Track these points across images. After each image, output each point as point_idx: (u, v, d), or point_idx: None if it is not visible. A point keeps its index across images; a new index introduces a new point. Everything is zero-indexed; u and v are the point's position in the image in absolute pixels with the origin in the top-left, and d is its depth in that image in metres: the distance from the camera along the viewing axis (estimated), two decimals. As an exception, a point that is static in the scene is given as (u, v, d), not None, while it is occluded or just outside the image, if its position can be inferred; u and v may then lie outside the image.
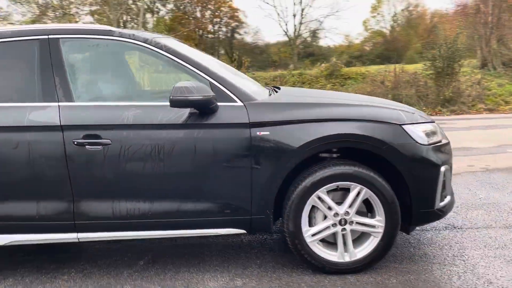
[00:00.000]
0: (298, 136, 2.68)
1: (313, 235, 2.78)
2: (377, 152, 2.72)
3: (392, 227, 2.76)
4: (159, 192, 2.74)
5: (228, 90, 2.77)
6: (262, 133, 2.68)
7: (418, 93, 12.68)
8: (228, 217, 2.78)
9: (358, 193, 2.73)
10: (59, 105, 2.71)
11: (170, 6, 34.40)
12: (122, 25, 23.96)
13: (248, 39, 35.40)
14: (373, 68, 15.71)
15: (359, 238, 2.87)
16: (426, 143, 2.78)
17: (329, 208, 2.75)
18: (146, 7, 34.36)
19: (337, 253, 2.81)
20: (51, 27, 2.89)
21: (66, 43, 2.83)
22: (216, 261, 3.06)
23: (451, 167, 3.01)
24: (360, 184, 2.71)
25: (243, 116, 2.69)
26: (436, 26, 22.87)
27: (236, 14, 33.88)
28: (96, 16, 25.82)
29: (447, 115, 11.75)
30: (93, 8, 25.79)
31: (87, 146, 2.66)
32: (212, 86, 2.73)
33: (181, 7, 33.58)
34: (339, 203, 2.76)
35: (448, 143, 3.02)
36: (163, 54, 2.80)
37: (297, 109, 2.78)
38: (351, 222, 2.77)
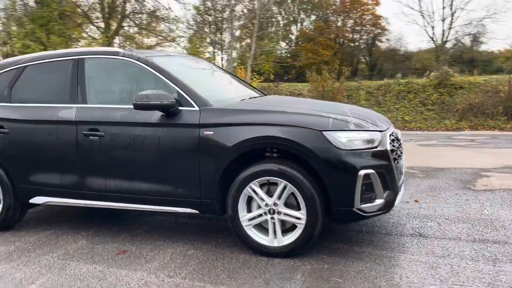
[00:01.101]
0: (234, 136, 3.25)
1: (249, 220, 3.32)
2: (298, 154, 3.14)
3: (313, 220, 3.13)
4: (134, 174, 3.59)
5: (190, 97, 3.47)
6: (207, 132, 3.33)
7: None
8: (184, 198, 3.48)
9: (284, 188, 3.17)
10: (77, 107, 3.76)
11: (313, 17, 35.94)
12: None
13: (390, 46, 34.77)
14: (488, 78, 14.37)
15: (292, 227, 3.28)
16: (345, 148, 3.08)
17: (262, 199, 3.25)
18: (291, 18, 36.53)
19: (268, 238, 3.29)
20: (80, 51, 3.99)
21: (88, 62, 3.88)
22: (188, 236, 3.79)
23: (389, 172, 3.21)
24: (284, 180, 3.16)
25: (195, 119, 3.38)
26: None
27: (379, 21, 33.72)
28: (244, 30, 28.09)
29: None
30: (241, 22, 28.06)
31: (90, 137, 3.65)
32: (178, 94, 3.48)
33: (324, 17, 34.73)
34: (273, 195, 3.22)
35: (385, 151, 3.22)
36: (148, 69, 3.64)
37: (238, 114, 3.35)
38: (279, 213, 3.23)
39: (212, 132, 3.32)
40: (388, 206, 3.26)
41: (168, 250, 3.52)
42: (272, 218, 3.25)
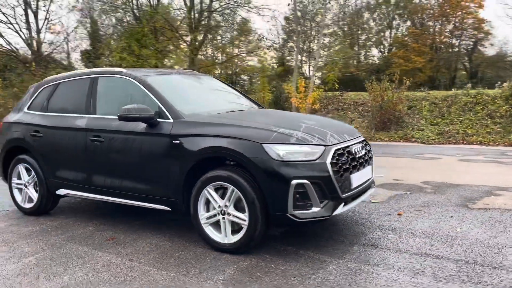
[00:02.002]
0: (195, 145, 3.78)
1: (207, 219, 3.81)
2: (241, 163, 3.57)
3: (254, 222, 3.54)
4: (123, 174, 4.29)
5: (167, 111, 4.08)
6: (175, 141, 3.90)
7: None
8: (159, 197, 4.09)
9: (232, 192, 3.63)
10: (88, 117, 4.59)
11: (408, 22, 34.89)
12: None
13: (493, 51, 32.40)
14: None
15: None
16: (281, 159, 3.44)
17: (215, 201, 3.74)
18: (385, 24, 35.90)
19: (220, 236, 3.76)
20: (97, 70, 4.83)
21: (100, 80, 4.69)
22: (171, 231, 4.39)
23: (327, 183, 3.49)
24: (232, 185, 3.61)
25: (169, 129, 3.97)
26: None
27: (482, 25, 31.74)
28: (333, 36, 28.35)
29: None
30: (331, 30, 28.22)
31: (94, 142, 4.43)
32: (159, 108, 4.11)
33: (419, 23, 33.58)
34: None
35: (323, 164, 3.50)
36: (140, 86, 4.33)
37: (201, 127, 3.87)
38: (228, 214, 3.68)
39: (178, 141, 3.88)
40: (325, 214, 3.53)
41: (147, 240, 4.14)
42: (223, 218, 3.71)
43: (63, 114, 4.89)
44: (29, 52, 24.54)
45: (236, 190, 3.59)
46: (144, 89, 4.29)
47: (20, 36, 23.86)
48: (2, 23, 22.95)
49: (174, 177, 3.93)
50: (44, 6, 23.79)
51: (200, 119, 4.04)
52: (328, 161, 3.55)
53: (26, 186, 5.21)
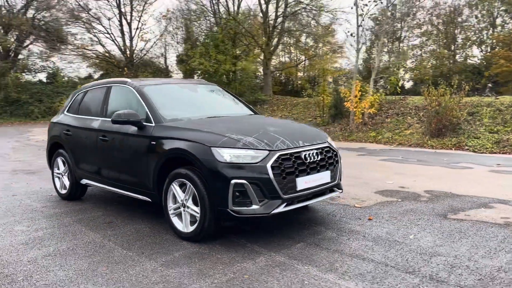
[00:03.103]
0: (165, 146, 4.43)
1: (174, 210, 4.44)
2: (193, 163, 4.12)
3: (204, 215, 4.08)
4: (119, 168, 5.09)
5: (151, 116, 4.78)
6: (153, 142, 4.58)
7: None
8: (141, 188, 4.81)
9: (190, 188, 4.20)
10: (100, 119, 5.47)
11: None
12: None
13: None
14: None
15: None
16: (225, 161, 3.93)
17: (178, 195, 4.34)
18: (488, 22, 33.54)
19: (182, 225, 4.35)
20: (111, 80, 5.71)
21: (113, 88, 5.57)
22: (159, 220, 5.09)
23: (266, 184, 3.91)
24: (189, 182, 4.19)
25: (150, 132, 4.67)
26: None
27: None
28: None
29: None
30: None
31: (102, 141, 5.30)
32: (146, 114, 4.83)
33: None
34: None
35: (264, 166, 3.92)
36: (136, 94, 5.09)
37: (173, 130, 4.48)
38: (187, 207, 4.26)
39: (155, 142, 4.56)
40: (264, 211, 3.94)
41: (134, 226, 4.89)
42: (184, 210, 4.31)
43: (86, 117, 5.85)
44: (123, 58, 27.33)
45: (192, 186, 4.16)
46: (138, 97, 5.04)
47: (116, 44, 26.70)
48: (101, 33, 25.90)
49: (151, 172, 4.61)
50: (139, 16, 26.29)
51: (175, 124, 4.66)
52: (269, 164, 3.95)
53: (62, 175, 6.29)
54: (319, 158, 4.39)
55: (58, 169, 6.37)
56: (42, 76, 30.66)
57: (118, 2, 25.73)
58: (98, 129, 5.41)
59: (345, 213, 5.17)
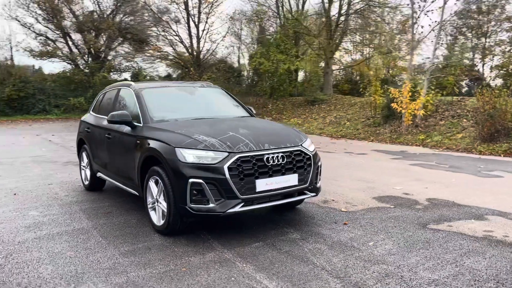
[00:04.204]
0: (144, 145, 4.82)
1: (150, 204, 4.82)
2: (162, 162, 4.45)
3: (169, 210, 4.41)
4: (118, 164, 5.60)
5: (141, 117, 5.21)
6: (137, 141, 5.00)
7: None
8: (131, 183, 5.27)
9: (160, 184, 4.55)
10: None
11: None
12: None
13: None
14: None
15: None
16: (185, 161, 4.22)
17: (153, 191, 4.71)
18: None
19: (156, 219, 4.72)
20: (122, 83, 6.24)
21: (121, 90, 6.11)
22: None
23: (222, 185, 4.13)
24: (160, 179, 4.53)
25: (137, 132, 5.09)
26: None
27: None
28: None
29: None
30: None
31: (107, 138, 5.86)
32: (138, 115, 5.27)
33: None
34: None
35: (221, 168, 4.14)
36: (134, 97, 5.55)
37: (154, 131, 4.85)
38: (160, 202, 4.62)
39: (139, 142, 4.98)
40: (219, 210, 4.16)
41: (125, 217, 5.35)
42: (157, 205, 4.67)
43: (100, 116, 6.46)
44: (190, 59, 28.61)
45: (161, 183, 4.50)
46: (135, 99, 5.50)
47: (184, 45, 28.04)
48: (171, 35, 27.37)
49: (136, 168, 5.03)
50: (207, 18, 27.37)
51: (158, 125, 5.02)
52: (226, 165, 4.16)
53: (85, 168, 7.00)
54: (284, 161, 4.49)
55: (83, 162, 7.09)
56: (127, 75, 33.16)
57: (186, 5, 27.00)
58: (105, 128, 5.97)
59: (325, 217, 5.19)
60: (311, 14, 26.16)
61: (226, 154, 4.25)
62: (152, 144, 4.68)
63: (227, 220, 5.10)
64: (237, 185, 4.19)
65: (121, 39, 29.95)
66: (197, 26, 27.46)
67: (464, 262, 3.73)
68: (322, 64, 25.41)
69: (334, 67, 27.49)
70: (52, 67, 57.66)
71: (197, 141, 4.38)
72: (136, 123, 5.22)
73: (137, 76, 31.13)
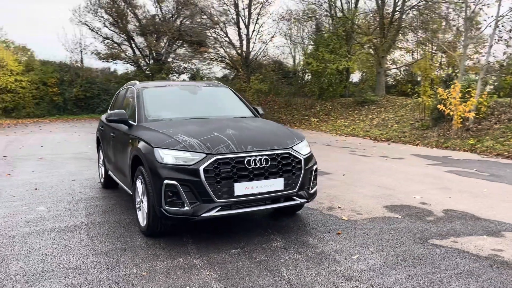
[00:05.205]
0: (134, 144, 4.78)
1: (138, 204, 4.77)
2: (143, 162, 4.37)
3: (148, 211, 4.33)
4: (117, 160, 5.63)
5: (137, 116, 5.19)
6: (130, 140, 4.98)
7: None
8: (127, 181, 5.26)
9: (143, 185, 4.48)
10: (115, 118, 6.11)
11: None
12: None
13: None
14: None
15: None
16: (161, 162, 4.11)
17: (139, 191, 4.66)
18: None
19: (141, 219, 4.66)
20: (131, 83, 6.28)
21: (129, 89, 6.15)
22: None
23: (197, 187, 3.97)
24: (143, 179, 4.47)
25: (131, 130, 5.08)
26: None
27: None
28: None
29: None
30: None
31: (112, 137, 5.92)
32: (134, 114, 5.27)
33: None
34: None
35: (196, 169, 3.98)
36: (135, 96, 5.55)
37: (143, 130, 4.80)
38: (143, 202, 4.55)
39: (131, 141, 4.95)
40: (194, 214, 4.01)
41: (122, 216, 5.37)
42: (142, 205, 4.61)
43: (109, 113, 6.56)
44: (239, 60, 28.74)
45: (144, 183, 4.43)
46: (135, 98, 5.50)
47: (233, 46, 28.23)
48: (221, 36, 27.68)
49: (128, 164, 5.01)
50: (257, 19, 27.36)
51: (149, 124, 4.96)
52: (202, 167, 4.00)
53: (102, 166, 7.15)
54: (268, 165, 4.24)
55: (100, 160, 7.25)
56: (185, 77, 34.08)
57: (236, 6, 27.14)
58: (111, 126, 6.05)
59: (321, 225, 4.86)
60: (363, 12, 25.24)
61: (204, 155, 4.08)
62: (138, 143, 4.63)
63: (217, 224, 4.93)
64: (213, 188, 4.01)
65: (180, 41, 30.83)
66: (247, 27, 27.52)
67: (450, 285, 3.27)
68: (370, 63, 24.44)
69: (389, 67, 26.34)
70: (114, 68, 60.94)
71: (177, 141, 4.26)
72: (132, 122, 5.21)
73: (195, 77, 31.83)
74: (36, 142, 14.43)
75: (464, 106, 12.62)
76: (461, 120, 12.94)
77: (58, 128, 20.18)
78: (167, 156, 4.15)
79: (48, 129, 19.94)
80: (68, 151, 12.10)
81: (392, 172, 8.22)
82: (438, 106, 13.10)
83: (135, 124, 5.12)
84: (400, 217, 5.15)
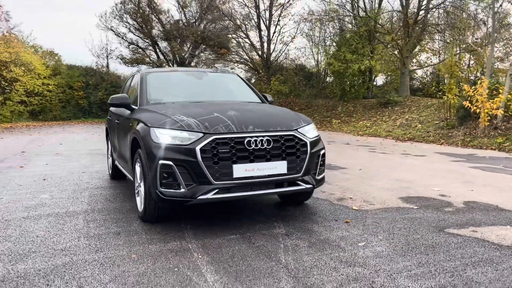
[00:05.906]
0: (133, 127, 4.61)
1: (136, 188, 4.59)
2: (140, 143, 4.18)
3: (144, 195, 4.13)
4: (120, 146, 5.47)
5: (139, 99, 5.03)
6: (130, 124, 4.81)
7: None
8: (128, 167, 5.08)
9: (141, 168, 4.30)
10: (120, 105, 5.98)
11: None
12: None
13: None
14: None
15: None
16: (157, 141, 3.91)
17: (137, 175, 4.48)
18: None
19: (139, 204, 4.47)
20: (137, 70, 6.14)
21: (134, 76, 6.01)
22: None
23: (194, 168, 3.75)
24: (140, 162, 4.28)
25: (132, 114, 4.91)
26: None
27: None
28: None
29: None
30: None
31: (117, 124, 5.78)
32: (136, 97, 5.11)
33: None
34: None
35: (192, 149, 3.75)
36: (139, 80, 5.39)
37: (142, 112, 4.62)
38: (141, 187, 4.36)
39: (131, 124, 4.78)
40: (190, 196, 3.77)
41: (124, 203, 5.19)
42: (140, 189, 4.42)
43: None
44: (260, 61, 28.61)
45: (141, 167, 4.24)
46: (139, 82, 5.34)
47: (254, 48, 28.11)
48: (241, 38, 27.61)
49: (129, 148, 4.83)
50: (278, 21, 27.22)
51: (149, 106, 4.78)
52: (199, 147, 3.77)
53: (110, 157, 7.04)
54: (270, 146, 3.98)
55: (108, 151, 7.15)
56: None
57: (257, 8, 27.04)
58: (116, 114, 5.92)
59: (329, 214, 4.55)
60: (387, 11, 24.70)
61: (201, 135, 3.85)
62: (136, 125, 4.45)
63: (217, 211, 4.69)
64: (211, 170, 3.77)
65: (203, 46, 30.97)
66: (268, 28, 27.37)
67: (465, 273, 2.93)
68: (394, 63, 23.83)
69: (414, 68, 25.66)
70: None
71: (174, 121, 4.04)
72: (133, 106, 5.05)
73: (217, 79, 31.74)
74: (56, 141, 14.57)
75: (492, 103, 12.03)
76: (489, 118, 12.34)
77: (81, 129, 20.43)
78: (163, 136, 3.94)
79: (71, 130, 20.21)
80: (85, 148, 12.13)
81: (412, 168, 7.81)
82: (464, 103, 12.53)
83: (136, 107, 4.95)
84: (415, 207, 4.79)
